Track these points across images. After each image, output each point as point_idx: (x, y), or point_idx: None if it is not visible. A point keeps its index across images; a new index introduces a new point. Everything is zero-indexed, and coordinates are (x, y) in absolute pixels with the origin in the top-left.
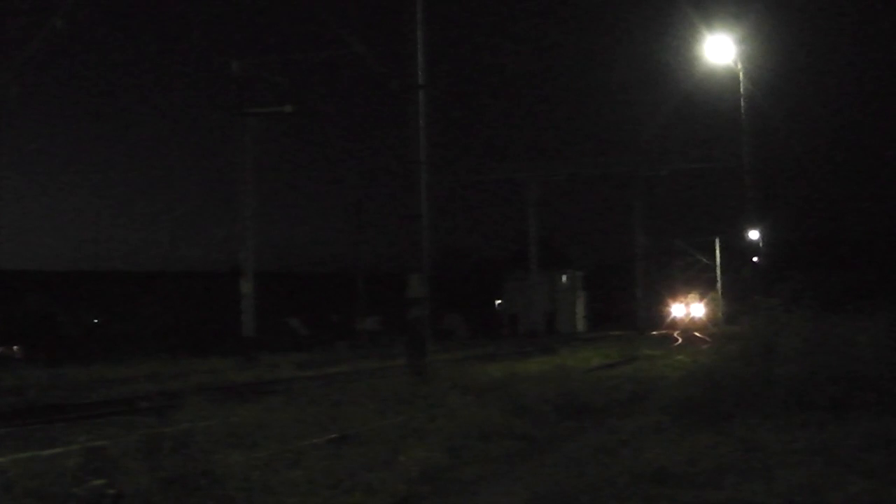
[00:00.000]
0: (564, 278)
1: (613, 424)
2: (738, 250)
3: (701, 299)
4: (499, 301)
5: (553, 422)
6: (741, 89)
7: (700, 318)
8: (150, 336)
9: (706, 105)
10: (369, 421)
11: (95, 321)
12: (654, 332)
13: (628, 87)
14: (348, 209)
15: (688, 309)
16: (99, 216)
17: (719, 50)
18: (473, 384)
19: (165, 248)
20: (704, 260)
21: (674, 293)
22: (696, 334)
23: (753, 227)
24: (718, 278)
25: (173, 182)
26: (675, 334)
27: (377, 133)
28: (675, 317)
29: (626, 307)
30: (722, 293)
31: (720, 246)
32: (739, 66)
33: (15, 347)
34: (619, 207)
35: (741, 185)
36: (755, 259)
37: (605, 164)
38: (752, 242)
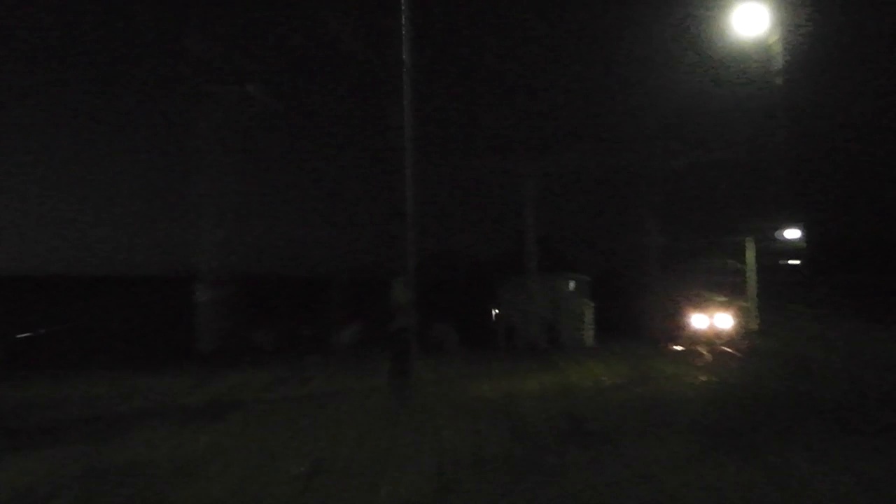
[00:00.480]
0: (570, 284)
1: (628, 453)
2: (772, 252)
3: (727, 308)
4: (494, 310)
5: (557, 448)
6: (776, 66)
7: (726, 330)
8: (92, 350)
9: (734, 85)
10: (346, 447)
11: (28, 333)
12: (675, 346)
13: (641, 67)
14: (322, 205)
15: (711, 319)
16: (32, 213)
17: (750, 19)
18: (465, 404)
19: (111, 250)
20: (734, 263)
21: (695, 301)
22: (725, 348)
23: (790, 224)
24: (751, 284)
25: (120, 174)
26: (699, 348)
27: (356, 120)
28: (695, 328)
29: (641, 317)
30: (755, 301)
31: (753, 247)
32: (774, 38)
33: None
34: (632, 204)
35: (775, 178)
36: (793, 262)
37: (615, 155)
38: (789, 242)
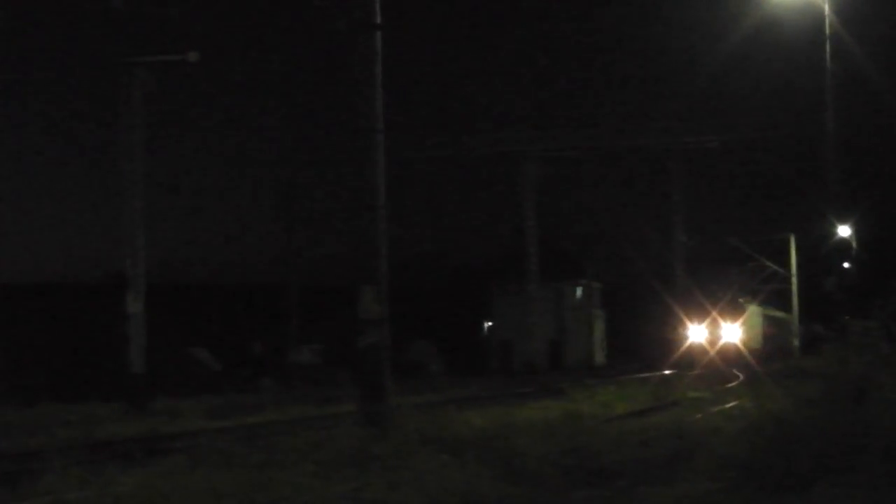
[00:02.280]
0: (577, 292)
1: (646, 495)
2: (818, 254)
3: (735, 317)
4: (487, 323)
5: (562, 490)
6: (826, 30)
7: (734, 345)
8: (3, 372)
9: (774, 53)
10: (306, 490)
11: None
12: (700, 365)
13: (666, 34)
14: (275, 198)
15: (712, 331)
16: None
17: None
18: (451, 438)
19: (20, 253)
20: (773, 266)
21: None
22: (756, 368)
23: (840, 221)
24: (794, 290)
25: (35, 161)
26: (729, 368)
27: (316, 93)
28: (691, 342)
29: (662, 332)
30: (799, 312)
31: (797, 246)
32: None
33: None
34: (651, 195)
35: (823, 164)
36: (844, 265)
37: (631, 135)
38: (839, 242)
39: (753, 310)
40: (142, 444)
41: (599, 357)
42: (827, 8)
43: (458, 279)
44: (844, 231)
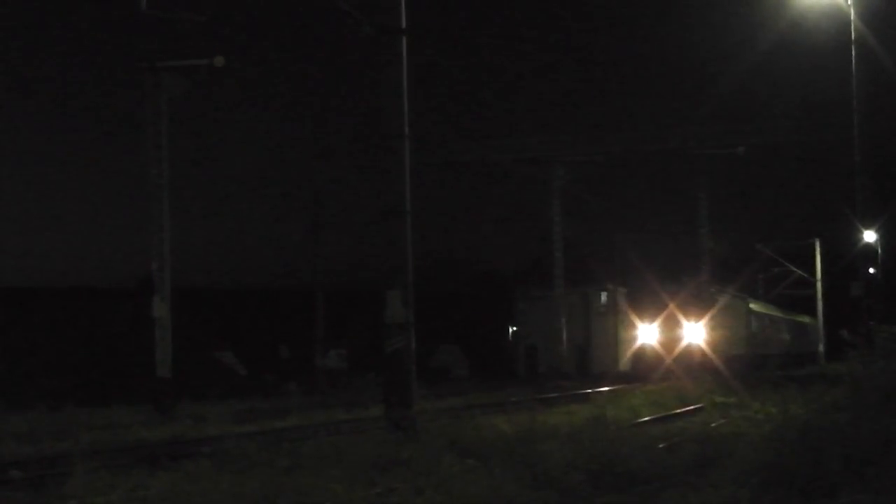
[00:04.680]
0: (602, 297)
1: (672, 500)
2: (844, 259)
3: (699, 316)
4: (512, 328)
5: (587, 495)
6: (851, 35)
7: (700, 347)
8: (27, 376)
9: (801, 57)
10: (332, 496)
11: None
12: (729, 372)
13: (693, 38)
14: (302, 203)
15: (667, 332)
16: None
17: None
18: (477, 443)
19: (47, 257)
20: (798, 271)
21: (646, 309)
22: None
23: (867, 226)
24: (819, 296)
25: (62, 166)
26: (759, 374)
27: (342, 99)
28: (642, 344)
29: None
30: (823, 317)
31: (822, 252)
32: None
33: None
34: (677, 200)
35: (849, 168)
36: (870, 271)
37: (657, 140)
38: (865, 247)
39: (734, 304)
40: (168, 448)
41: (626, 362)
42: (853, 13)
43: (485, 284)
44: (870, 237)
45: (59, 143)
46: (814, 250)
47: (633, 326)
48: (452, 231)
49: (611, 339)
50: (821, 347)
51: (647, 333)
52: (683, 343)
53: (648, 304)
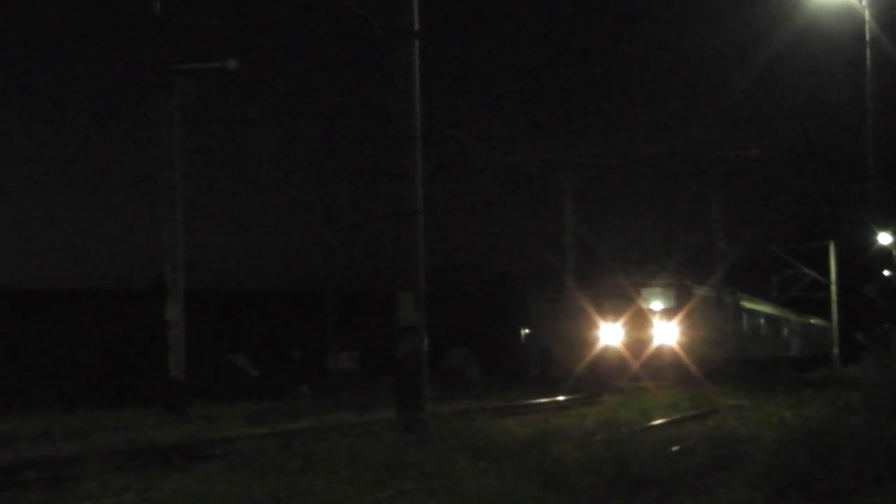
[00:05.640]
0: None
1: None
2: (859, 262)
3: (671, 315)
4: (525, 331)
5: (600, 499)
6: (866, 35)
7: (672, 348)
8: (39, 379)
9: (814, 59)
10: (343, 497)
11: None
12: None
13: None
14: (312, 204)
15: (633, 332)
16: None
17: None
18: (489, 446)
19: (59, 259)
20: (812, 274)
21: (607, 310)
22: (793, 376)
23: (881, 229)
24: (833, 299)
25: (73, 167)
26: (772, 376)
27: (353, 101)
28: (605, 346)
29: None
30: (839, 321)
31: (836, 255)
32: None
33: None
34: (689, 202)
35: (863, 170)
36: (885, 273)
37: (670, 141)
38: (880, 250)
39: (721, 301)
40: (180, 449)
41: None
42: (867, 14)
43: (496, 286)
44: (885, 239)
45: (71, 145)
46: (828, 252)
47: (595, 327)
48: (465, 233)
49: (575, 340)
50: (835, 350)
51: (609, 334)
52: (653, 344)
53: (614, 303)
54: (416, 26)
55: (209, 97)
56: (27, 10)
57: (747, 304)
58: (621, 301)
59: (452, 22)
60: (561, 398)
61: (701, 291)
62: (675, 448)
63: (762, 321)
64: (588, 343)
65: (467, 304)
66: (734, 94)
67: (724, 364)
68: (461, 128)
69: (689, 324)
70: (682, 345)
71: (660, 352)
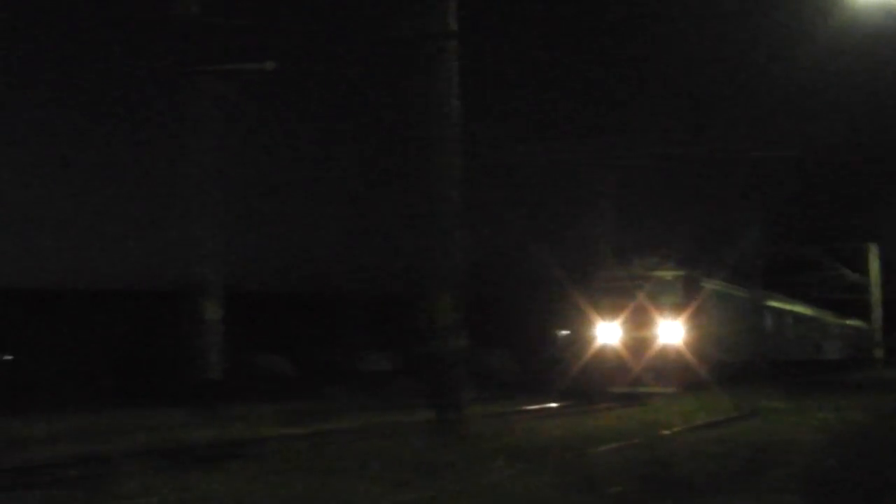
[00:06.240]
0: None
1: None
2: None
3: (678, 312)
4: (563, 331)
5: (638, 501)
6: None
7: (677, 349)
8: (77, 378)
9: (854, 60)
10: (378, 498)
11: (8, 357)
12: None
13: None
14: (347, 204)
15: (636, 329)
16: (4, 217)
17: None
18: (525, 447)
19: (95, 260)
20: (851, 274)
21: (604, 307)
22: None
23: None
24: (874, 299)
25: (108, 170)
26: (819, 378)
27: (387, 101)
28: (603, 345)
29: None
30: (879, 323)
31: (879, 255)
32: None
33: None
34: (726, 202)
35: None
36: None
37: (706, 142)
38: None
39: (741, 299)
40: (216, 449)
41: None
42: None
43: (533, 286)
44: None
45: (107, 145)
46: (869, 253)
47: (592, 325)
48: (503, 234)
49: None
50: (879, 353)
51: (606, 333)
52: (657, 344)
53: (613, 298)
54: (455, 27)
55: (247, 98)
56: (65, 9)
57: (773, 302)
58: (620, 296)
59: (488, 20)
60: (600, 399)
61: (714, 285)
62: (714, 450)
63: (790, 320)
64: (585, 343)
65: (503, 304)
66: (775, 94)
67: (741, 367)
68: (497, 127)
69: (699, 321)
70: (689, 345)
71: (664, 353)
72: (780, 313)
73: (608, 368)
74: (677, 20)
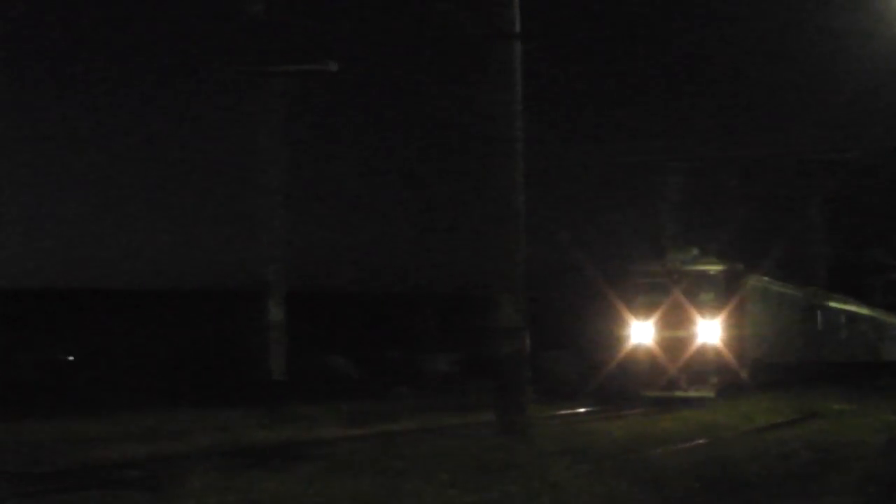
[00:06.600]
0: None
1: None
2: None
3: (718, 310)
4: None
5: (700, 502)
6: None
7: (719, 349)
8: (139, 378)
9: None
10: (444, 499)
11: (70, 358)
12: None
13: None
14: (411, 206)
15: (670, 330)
16: (70, 215)
17: None
18: (587, 448)
19: (158, 259)
20: None
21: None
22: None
23: None
24: None
25: (172, 170)
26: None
27: (452, 103)
28: (637, 344)
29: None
30: None
31: None
32: None
33: None
34: (789, 205)
35: None
36: None
37: (770, 145)
38: None
39: (790, 297)
40: (280, 450)
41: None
42: None
43: (598, 289)
44: None
45: (172, 146)
46: None
47: (625, 324)
48: (567, 234)
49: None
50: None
51: (640, 332)
52: (695, 345)
53: (646, 295)
54: (517, 28)
55: (311, 98)
56: (129, 10)
57: (825, 301)
58: (655, 292)
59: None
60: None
61: (758, 281)
62: (775, 452)
63: (844, 320)
64: (616, 343)
65: (567, 305)
66: (837, 96)
67: (790, 369)
68: (559, 129)
69: (741, 319)
70: (729, 345)
71: (702, 354)
72: (833, 312)
73: (641, 371)
74: (735, 20)
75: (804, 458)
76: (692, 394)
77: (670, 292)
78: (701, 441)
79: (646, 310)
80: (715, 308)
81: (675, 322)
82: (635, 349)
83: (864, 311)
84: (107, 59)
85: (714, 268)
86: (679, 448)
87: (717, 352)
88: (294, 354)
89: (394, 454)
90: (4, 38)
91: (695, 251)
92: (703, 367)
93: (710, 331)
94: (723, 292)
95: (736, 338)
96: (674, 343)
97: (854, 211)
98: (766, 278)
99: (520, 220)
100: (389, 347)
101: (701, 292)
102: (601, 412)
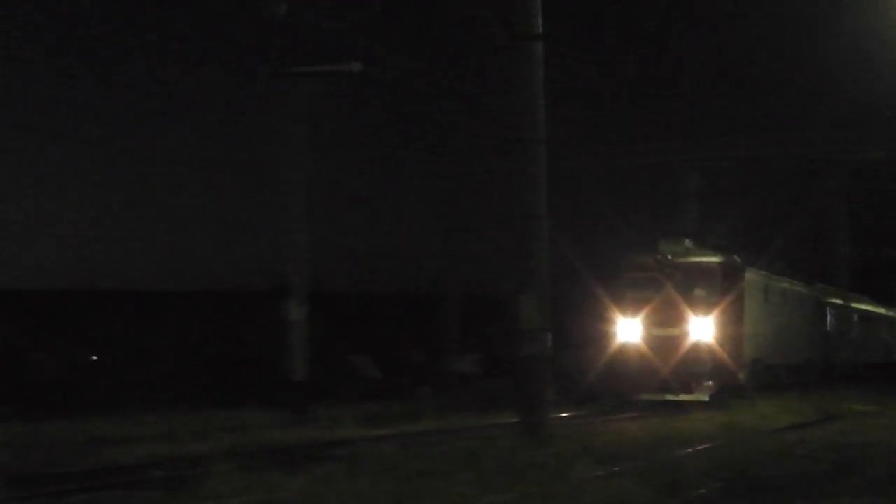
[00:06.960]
0: None
1: None
2: None
3: (710, 307)
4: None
5: (721, 503)
6: None
7: (709, 345)
8: (163, 378)
9: None
10: (465, 500)
11: (94, 358)
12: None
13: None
14: (432, 207)
15: (660, 328)
16: (92, 216)
17: None
18: (609, 449)
19: (185, 262)
20: None
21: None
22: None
23: None
24: None
25: (194, 171)
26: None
27: (474, 103)
28: (623, 342)
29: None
30: None
31: None
32: None
33: None
34: (811, 206)
35: None
36: None
37: (792, 144)
38: None
39: (795, 294)
40: (303, 450)
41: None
42: None
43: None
44: None
45: (192, 147)
46: None
47: (612, 322)
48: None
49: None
50: None
51: (627, 330)
52: (688, 344)
53: (635, 290)
54: (540, 29)
55: (333, 99)
56: (155, 12)
57: (834, 300)
58: (646, 287)
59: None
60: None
61: (759, 276)
62: (797, 453)
63: (856, 318)
64: (604, 343)
65: (589, 306)
66: (858, 96)
67: (795, 370)
68: (576, 130)
69: (738, 317)
70: (725, 345)
71: (696, 353)
72: (844, 311)
73: (629, 372)
74: (762, 22)
75: (825, 458)
76: (684, 397)
77: (661, 287)
78: (721, 442)
79: (634, 306)
80: (709, 304)
81: (665, 319)
82: (622, 348)
83: (879, 310)
84: (133, 61)
85: (708, 260)
86: (700, 449)
87: (711, 351)
88: (316, 355)
89: (416, 455)
90: (33, 37)
91: (687, 243)
92: (696, 369)
93: (703, 329)
94: (718, 287)
95: (733, 336)
96: (664, 342)
97: (875, 211)
98: (766, 273)
99: (542, 220)
100: (411, 348)
101: (694, 287)
102: (622, 414)
